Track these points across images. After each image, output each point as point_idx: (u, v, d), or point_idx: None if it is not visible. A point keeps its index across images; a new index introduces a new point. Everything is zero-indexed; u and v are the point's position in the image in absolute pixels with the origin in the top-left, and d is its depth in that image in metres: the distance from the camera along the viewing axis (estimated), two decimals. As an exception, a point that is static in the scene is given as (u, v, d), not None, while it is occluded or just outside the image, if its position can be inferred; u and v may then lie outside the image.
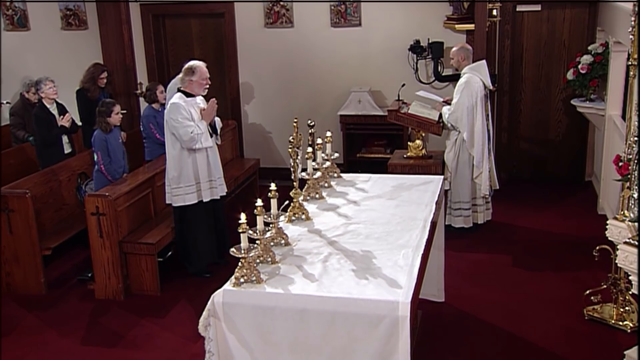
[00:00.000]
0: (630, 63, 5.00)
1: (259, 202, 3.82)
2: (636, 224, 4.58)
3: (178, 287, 6.25)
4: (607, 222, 5.01)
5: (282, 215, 4.21)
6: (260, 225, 3.85)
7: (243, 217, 3.64)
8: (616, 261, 4.73)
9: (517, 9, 8.35)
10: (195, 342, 5.05)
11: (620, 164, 4.94)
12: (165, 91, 7.30)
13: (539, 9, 8.29)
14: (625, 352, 4.72)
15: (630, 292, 5.17)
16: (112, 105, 6.43)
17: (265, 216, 3.96)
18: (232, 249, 3.69)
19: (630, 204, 4.79)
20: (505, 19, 8.27)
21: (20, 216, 6.08)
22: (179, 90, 6.03)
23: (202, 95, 6.13)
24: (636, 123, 4.81)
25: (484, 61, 7.05)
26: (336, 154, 5.29)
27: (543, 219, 7.50)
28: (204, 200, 6.14)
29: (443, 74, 8.33)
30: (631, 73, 5.01)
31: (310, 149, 4.85)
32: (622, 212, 4.93)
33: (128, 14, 9.05)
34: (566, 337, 5.17)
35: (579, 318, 5.39)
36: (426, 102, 7.22)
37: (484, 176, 6.94)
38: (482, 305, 5.67)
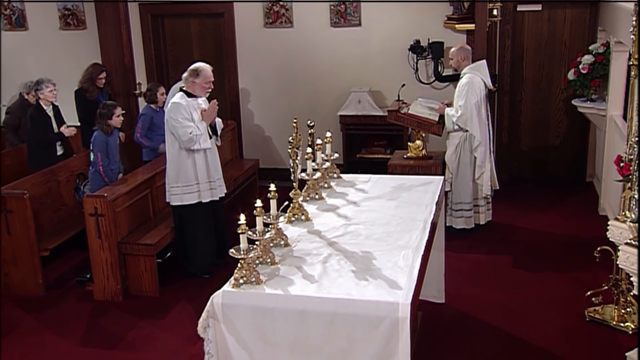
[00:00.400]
0: (631, 63, 4.99)
1: (259, 203, 3.80)
2: (637, 224, 4.57)
3: (177, 288, 6.23)
4: (608, 223, 4.99)
5: (281, 216, 4.20)
6: (259, 226, 3.83)
7: (242, 218, 3.62)
8: (617, 262, 4.72)
9: (518, 9, 8.32)
10: (195, 343, 5.01)
11: (622, 164, 4.93)
12: (167, 93, 7.28)
13: (540, 8, 8.27)
14: (626, 354, 4.70)
15: (631, 294, 5.15)
16: (113, 108, 6.46)
17: (265, 217, 3.95)
18: (232, 250, 3.67)
19: (632, 205, 4.77)
20: (505, 19, 8.25)
21: (19, 217, 6.05)
22: (181, 89, 6.01)
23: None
24: (637, 123, 4.78)
25: (484, 61, 7.03)
26: (336, 155, 5.28)
27: (544, 220, 7.48)
28: (204, 201, 6.11)
29: (443, 74, 8.31)
30: (632, 73, 4.99)
31: (309, 150, 4.83)
32: (623, 213, 4.91)
33: (127, 14, 9.02)
34: (567, 338, 5.15)
35: (580, 319, 5.36)
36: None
37: (486, 176, 6.93)
38: (483, 306, 5.65)
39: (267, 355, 3.64)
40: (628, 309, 5.23)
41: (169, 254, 6.52)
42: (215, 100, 6.10)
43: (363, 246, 4.08)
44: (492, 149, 7.26)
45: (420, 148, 7.11)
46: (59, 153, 7.22)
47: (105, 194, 5.94)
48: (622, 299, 5.25)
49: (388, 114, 7.27)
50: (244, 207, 4.60)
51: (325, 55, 8.74)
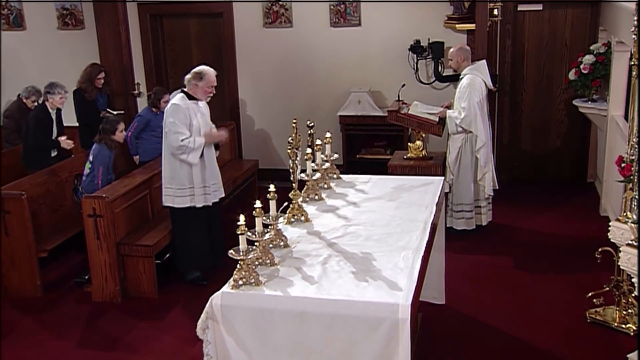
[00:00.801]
0: (632, 63, 4.97)
1: (258, 204, 3.78)
2: (638, 225, 4.54)
3: (176, 290, 6.20)
4: (610, 223, 4.97)
5: (281, 216, 4.19)
6: (259, 226, 3.82)
7: (242, 219, 3.60)
8: (619, 263, 4.70)
9: (519, 9, 8.30)
10: (194, 345, 4.99)
11: (623, 165, 4.91)
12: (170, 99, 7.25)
13: (541, 8, 8.26)
14: (628, 356, 4.67)
15: (633, 295, 5.13)
16: (116, 124, 6.50)
17: (264, 218, 3.93)
18: (231, 251, 3.66)
19: (633, 206, 4.75)
20: (506, 19, 8.23)
21: (16, 218, 6.03)
22: (182, 90, 5.96)
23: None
24: (638, 123, 4.76)
25: (484, 61, 7.01)
26: (336, 155, 5.25)
27: (544, 221, 7.46)
28: (197, 206, 6.02)
29: (443, 74, 8.29)
30: (634, 73, 4.97)
31: (309, 150, 4.82)
32: (624, 214, 4.89)
33: (125, 14, 8.98)
34: (568, 339, 5.13)
35: (581, 321, 5.34)
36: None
37: (489, 177, 6.91)
38: (483, 308, 5.63)
39: (266, 357, 3.62)
40: (629, 311, 5.21)
41: (167, 255, 6.48)
42: (226, 134, 6.17)
43: (363, 247, 4.07)
44: (492, 150, 7.23)
45: (421, 149, 7.09)
46: (53, 154, 7.19)
47: (104, 195, 5.91)
48: (624, 301, 5.22)
49: (388, 114, 7.24)
50: (243, 208, 4.59)
51: (325, 55, 8.72)
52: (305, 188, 4.90)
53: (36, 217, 6.29)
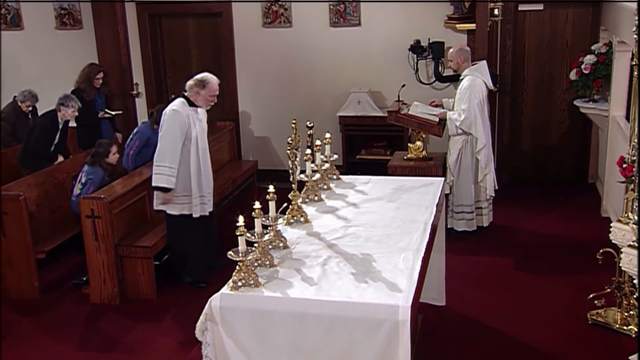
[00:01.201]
0: (634, 63, 4.95)
1: (257, 205, 3.76)
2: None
3: (174, 291, 6.18)
4: (611, 224, 4.96)
5: (280, 217, 4.17)
6: (258, 228, 3.80)
7: (241, 220, 3.58)
8: (620, 264, 4.67)
9: (519, 9, 8.28)
10: (192, 347, 4.99)
11: (624, 165, 4.89)
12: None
13: (541, 8, 8.24)
14: (629, 358, 4.66)
15: (634, 296, 5.10)
16: (109, 146, 6.56)
17: (264, 219, 3.91)
18: (230, 252, 3.63)
19: (635, 207, 4.73)
20: (506, 19, 8.21)
21: (14, 219, 5.99)
22: (183, 95, 5.91)
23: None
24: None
25: (484, 61, 6.99)
26: (335, 156, 5.23)
27: (545, 222, 7.43)
28: (194, 216, 5.95)
29: (444, 75, 8.27)
30: (635, 73, 4.95)
31: (309, 151, 4.79)
32: (626, 215, 4.87)
33: (124, 14, 8.97)
34: (569, 341, 5.11)
35: (582, 322, 5.32)
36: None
37: (490, 178, 6.89)
38: (484, 309, 5.61)
39: (265, 358, 3.60)
40: (631, 312, 5.18)
41: (166, 256, 6.45)
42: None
43: (363, 248, 4.05)
44: (492, 150, 7.21)
45: (421, 149, 7.06)
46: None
47: (102, 196, 5.88)
48: (625, 302, 5.20)
49: (388, 114, 7.21)
50: (243, 209, 4.55)
51: (325, 55, 8.69)
52: (304, 189, 4.88)
53: (34, 218, 6.25)
